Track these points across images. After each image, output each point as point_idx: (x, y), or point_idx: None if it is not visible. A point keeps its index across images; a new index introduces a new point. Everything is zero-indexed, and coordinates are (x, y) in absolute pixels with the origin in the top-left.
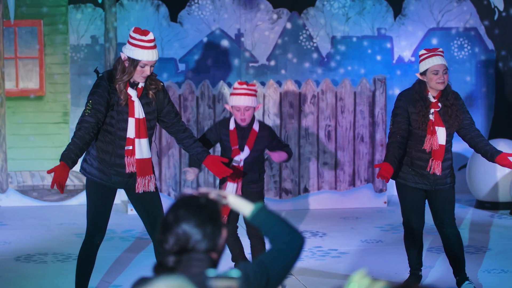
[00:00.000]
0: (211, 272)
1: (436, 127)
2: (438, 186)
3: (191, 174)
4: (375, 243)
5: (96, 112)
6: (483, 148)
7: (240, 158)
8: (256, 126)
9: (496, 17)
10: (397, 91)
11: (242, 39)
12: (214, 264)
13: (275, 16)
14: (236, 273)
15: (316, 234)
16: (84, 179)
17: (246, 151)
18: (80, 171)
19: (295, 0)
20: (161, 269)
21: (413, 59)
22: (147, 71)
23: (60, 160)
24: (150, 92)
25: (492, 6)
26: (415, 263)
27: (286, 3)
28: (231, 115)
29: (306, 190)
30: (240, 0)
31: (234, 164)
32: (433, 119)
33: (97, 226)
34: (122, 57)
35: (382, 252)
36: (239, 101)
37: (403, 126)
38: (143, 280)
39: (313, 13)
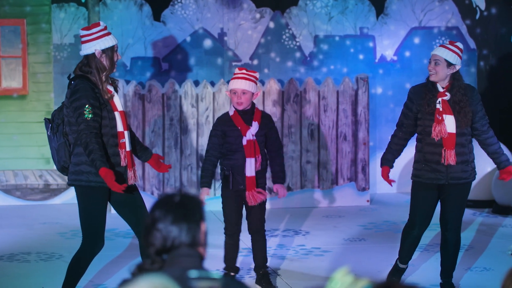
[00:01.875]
0: (193, 273)
1: (444, 115)
2: (452, 181)
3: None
4: (357, 241)
5: (96, 116)
6: (491, 155)
7: (252, 133)
8: (258, 108)
9: (477, 16)
10: (379, 90)
11: (225, 38)
12: (201, 258)
13: (258, 15)
14: (217, 274)
15: (299, 233)
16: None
17: (255, 126)
18: (71, 183)
19: None
20: (144, 269)
21: (395, 58)
22: (119, 55)
23: (99, 169)
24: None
25: (474, 6)
26: (405, 256)
27: (269, 3)
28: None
29: (289, 188)
30: None
31: (248, 139)
32: (441, 108)
33: (98, 233)
34: (97, 53)
35: (365, 251)
36: (236, 84)
37: (408, 121)
38: (126, 282)
39: (296, 12)
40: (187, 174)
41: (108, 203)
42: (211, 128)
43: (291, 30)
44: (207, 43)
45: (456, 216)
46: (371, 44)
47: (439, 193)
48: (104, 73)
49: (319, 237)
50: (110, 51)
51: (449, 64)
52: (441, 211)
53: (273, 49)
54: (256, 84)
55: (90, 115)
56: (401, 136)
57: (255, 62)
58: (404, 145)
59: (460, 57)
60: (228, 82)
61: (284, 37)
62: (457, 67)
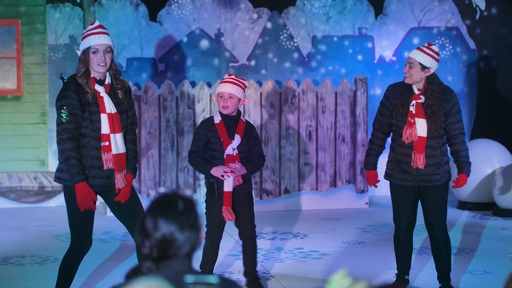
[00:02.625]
0: (189, 278)
1: (416, 119)
2: (421, 183)
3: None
4: (356, 244)
5: (74, 117)
6: (455, 163)
7: (233, 146)
8: (243, 119)
9: (477, 16)
10: (378, 91)
11: (222, 38)
12: (190, 262)
13: (255, 16)
14: (214, 279)
15: (297, 236)
16: None
17: (238, 139)
18: (55, 180)
19: None
20: (137, 273)
21: (394, 58)
22: (101, 56)
23: (74, 184)
24: (119, 92)
25: (474, 6)
26: (403, 265)
27: (266, 3)
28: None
29: (287, 191)
30: None
31: (228, 153)
32: (414, 111)
33: (86, 232)
34: (79, 54)
35: (364, 254)
36: (223, 87)
37: (385, 120)
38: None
39: (294, 12)
40: (184, 176)
41: (106, 204)
42: None
43: (289, 30)
44: (204, 43)
45: (438, 216)
46: (369, 45)
47: (417, 194)
48: (80, 72)
49: (317, 240)
50: (86, 52)
51: (424, 67)
52: (423, 214)
53: (270, 49)
54: (244, 91)
55: (66, 117)
56: (382, 137)
57: (253, 63)
58: (384, 145)
59: (436, 60)
60: None
61: (281, 37)
62: (432, 70)
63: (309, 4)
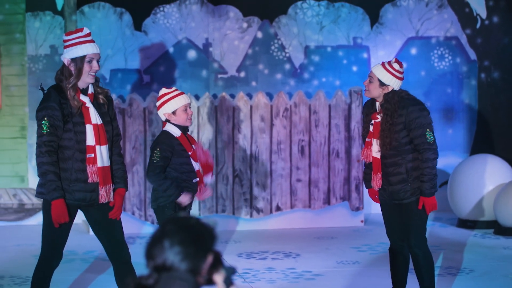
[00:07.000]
0: None
1: (373, 139)
2: (394, 201)
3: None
4: (351, 264)
5: (55, 129)
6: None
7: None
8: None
9: (478, 25)
10: None
11: (211, 49)
12: (196, 286)
13: (245, 25)
14: None
15: (289, 255)
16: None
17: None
18: (37, 196)
19: (266, 7)
20: (139, 285)
21: None
22: (95, 66)
23: (52, 200)
24: (100, 97)
25: (474, 14)
26: (397, 281)
27: (256, 11)
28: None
29: (278, 208)
30: (208, 7)
31: (197, 169)
32: (372, 130)
33: (56, 248)
34: (66, 62)
35: (359, 274)
36: (185, 99)
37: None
38: None
39: (286, 21)
40: None
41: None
42: None
43: (280, 40)
44: (191, 54)
45: (413, 233)
46: (365, 55)
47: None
48: (70, 83)
49: (310, 260)
50: (79, 61)
51: (382, 84)
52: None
53: (261, 60)
54: None
55: (47, 129)
56: None
57: (242, 74)
58: None
59: (398, 78)
60: (213, 95)
61: (273, 47)
62: (390, 88)
63: (302, 12)
